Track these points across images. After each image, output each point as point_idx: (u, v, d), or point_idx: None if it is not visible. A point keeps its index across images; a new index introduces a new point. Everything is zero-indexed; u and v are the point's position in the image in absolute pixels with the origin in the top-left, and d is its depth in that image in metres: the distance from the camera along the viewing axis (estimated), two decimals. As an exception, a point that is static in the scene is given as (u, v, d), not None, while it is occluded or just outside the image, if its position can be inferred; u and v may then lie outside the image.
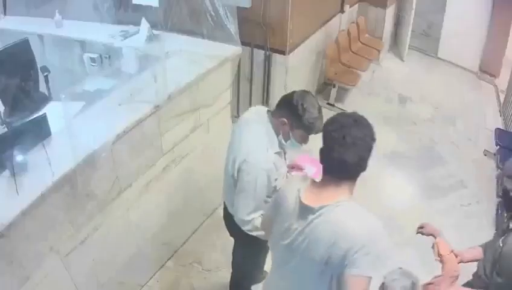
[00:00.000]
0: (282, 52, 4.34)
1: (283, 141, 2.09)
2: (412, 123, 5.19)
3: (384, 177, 4.25)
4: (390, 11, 6.37)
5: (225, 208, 2.45)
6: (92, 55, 3.57)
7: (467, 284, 2.12)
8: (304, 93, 2.02)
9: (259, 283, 2.84)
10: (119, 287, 2.85)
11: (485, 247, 2.07)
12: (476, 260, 2.09)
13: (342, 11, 5.54)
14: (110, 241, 2.64)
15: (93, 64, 3.58)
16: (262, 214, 2.04)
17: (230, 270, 2.81)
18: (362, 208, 1.52)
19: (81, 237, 2.39)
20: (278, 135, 2.07)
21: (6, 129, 2.88)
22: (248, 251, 2.47)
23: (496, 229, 2.06)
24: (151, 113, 2.63)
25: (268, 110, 2.14)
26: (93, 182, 2.36)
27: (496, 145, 4.27)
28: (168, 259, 3.29)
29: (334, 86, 5.28)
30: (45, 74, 3.56)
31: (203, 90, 3.08)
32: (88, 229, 2.43)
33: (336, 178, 1.53)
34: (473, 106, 5.39)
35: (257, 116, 2.14)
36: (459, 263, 2.01)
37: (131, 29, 3.58)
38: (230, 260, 3.30)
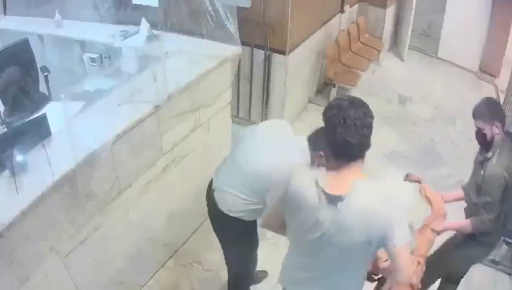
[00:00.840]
0: (282, 52, 4.34)
1: None
2: (412, 123, 5.19)
3: (384, 178, 4.24)
4: (390, 11, 6.37)
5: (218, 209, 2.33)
6: (92, 55, 3.57)
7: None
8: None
9: (257, 283, 2.91)
10: (119, 287, 2.85)
11: (465, 187, 2.52)
12: (458, 200, 2.48)
13: (342, 11, 5.54)
14: (110, 241, 2.64)
15: (93, 64, 3.59)
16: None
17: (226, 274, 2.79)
18: (379, 184, 1.63)
19: (81, 237, 2.39)
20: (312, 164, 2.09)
21: (6, 129, 2.88)
22: (244, 249, 2.50)
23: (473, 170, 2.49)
24: (151, 113, 2.63)
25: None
26: (93, 182, 2.36)
27: (496, 145, 4.26)
28: (168, 259, 3.29)
29: (334, 86, 5.28)
30: (45, 74, 3.56)
31: (203, 90, 3.08)
32: (88, 229, 2.43)
33: (346, 161, 1.59)
34: (473, 106, 5.37)
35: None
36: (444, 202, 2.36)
37: (131, 29, 3.58)
38: (230, 260, 3.31)
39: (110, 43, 3.51)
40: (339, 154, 1.59)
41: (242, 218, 2.27)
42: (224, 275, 3.19)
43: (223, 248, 2.61)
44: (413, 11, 6.26)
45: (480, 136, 2.32)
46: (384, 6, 6.17)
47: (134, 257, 2.88)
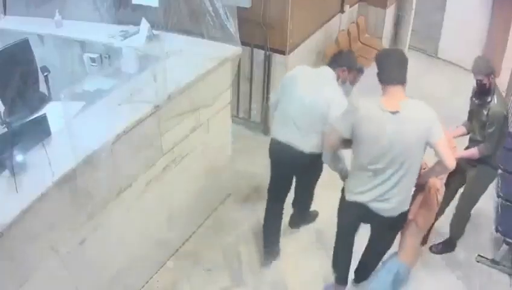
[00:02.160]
0: (282, 52, 4.34)
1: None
2: None
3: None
4: (390, 11, 6.37)
5: (288, 148, 2.82)
6: (92, 55, 3.57)
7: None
8: (348, 51, 3.42)
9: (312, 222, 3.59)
10: (119, 287, 2.85)
11: (466, 124, 3.16)
12: (460, 136, 3.17)
13: (342, 11, 5.54)
14: (110, 241, 2.64)
15: (93, 64, 3.58)
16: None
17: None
18: (417, 101, 2.31)
19: (81, 237, 2.39)
20: (337, 80, 2.83)
21: (6, 129, 2.88)
22: (313, 176, 3.17)
23: (469, 114, 3.14)
24: (151, 113, 2.63)
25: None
26: (93, 182, 2.36)
27: (496, 145, 4.27)
28: (168, 259, 3.29)
29: (334, 86, 5.28)
30: (45, 74, 3.56)
31: (203, 90, 3.08)
32: (88, 229, 2.43)
33: (396, 87, 2.28)
34: (473, 106, 5.39)
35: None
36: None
37: (131, 29, 3.58)
38: (230, 260, 3.32)
39: (110, 43, 3.51)
40: (393, 82, 2.28)
41: (309, 153, 2.78)
42: (224, 275, 3.20)
43: (298, 187, 3.23)
44: (413, 11, 6.24)
45: (480, 86, 2.96)
46: (384, 6, 6.16)
47: (134, 257, 2.88)
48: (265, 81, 4.53)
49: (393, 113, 2.21)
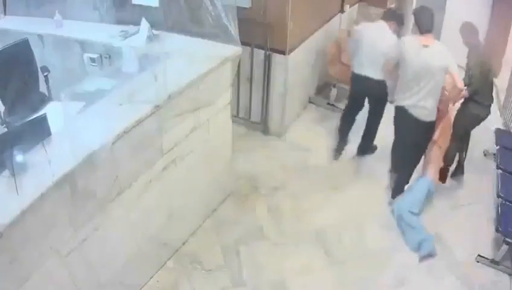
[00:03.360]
0: (282, 52, 4.34)
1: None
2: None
3: (385, 177, 4.25)
4: (390, 11, 6.37)
5: (365, 78, 4.05)
6: (92, 55, 3.57)
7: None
8: (394, 10, 4.85)
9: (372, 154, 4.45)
10: (119, 287, 2.85)
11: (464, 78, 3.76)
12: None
13: (342, 11, 5.54)
14: (110, 241, 2.64)
15: (93, 64, 3.58)
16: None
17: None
18: (441, 43, 3.49)
19: (81, 237, 2.39)
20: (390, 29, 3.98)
21: (6, 129, 2.88)
22: (383, 102, 4.22)
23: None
24: (151, 113, 2.63)
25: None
26: (93, 182, 2.36)
27: (496, 145, 4.27)
28: (168, 259, 3.29)
29: (334, 86, 5.28)
30: (45, 74, 3.56)
31: (203, 90, 3.08)
32: (88, 229, 2.43)
33: (428, 34, 3.36)
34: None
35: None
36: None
37: (131, 29, 3.58)
38: (230, 260, 3.32)
39: (110, 43, 3.51)
40: (425, 29, 3.35)
41: (377, 79, 3.99)
42: (224, 275, 3.20)
43: (371, 108, 4.32)
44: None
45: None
46: (384, 6, 6.15)
47: (134, 257, 2.88)
48: (265, 81, 4.52)
49: (426, 46, 3.32)
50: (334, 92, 5.30)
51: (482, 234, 3.63)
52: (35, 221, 2.06)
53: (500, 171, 3.85)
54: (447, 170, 4.08)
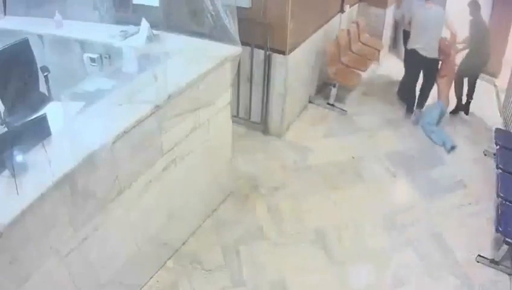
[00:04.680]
0: (282, 52, 4.34)
1: None
2: (412, 123, 5.19)
3: (384, 177, 4.25)
4: (390, 11, 6.37)
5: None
6: (92, 55, 3.57)
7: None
8: None
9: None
10: (119, 287, 2.85)
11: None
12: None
13: (342, 11, 5.54)
14: (110, 241, 2.64)
15: (93, 64, 3.58)
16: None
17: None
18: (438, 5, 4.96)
19: (81, 237, 2.39)
20: None
21: (6, 129, 2.88)
22: (435, 72, 5.18)
23: None
24: (151, 113, 2.63)
25: None
26: (93, 182, 2.36)
27: (496, 145, 4.28)
28: (168, 259, 3.29)
29: (334, 86, 5.28)
30: (45, 74, 3.55)
31: (203, 90, 3.08)
32: (88, 229, 2.43)
33: (430, 2, 4.87)
34: (473, 106, 5.40)
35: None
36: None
37: (131, 29, 3.58)
38: (230, 260, 3.32)
39: (110, 43, 3.51)
40: (428, 1, 4.82)
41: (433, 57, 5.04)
42: (224, 275, 3.20)
43: (426, 78, 5.25)
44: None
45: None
46: (384, 6, 6.17)
47: (134, 257, 2.88)
48: (265, 81, 4.52)
49: (430, 8, 4.79)
50: (334, 92, 5.29)
51: (482, 234, 3.64)
52: (35, 221, 2.06)
53: (500, 171, 3.85)
54: (460, 102, 5.41)
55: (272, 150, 4.56)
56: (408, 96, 5.39)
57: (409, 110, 5.32)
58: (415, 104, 5.28)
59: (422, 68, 5.15)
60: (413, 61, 5.11)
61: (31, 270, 2.13)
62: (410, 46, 5.05)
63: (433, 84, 5.22)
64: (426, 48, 4.91)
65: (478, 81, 5.34)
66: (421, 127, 5.10)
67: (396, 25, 6.78)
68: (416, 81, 5.27)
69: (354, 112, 5.27)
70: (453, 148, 4.72)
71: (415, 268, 3.33)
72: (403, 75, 5.61)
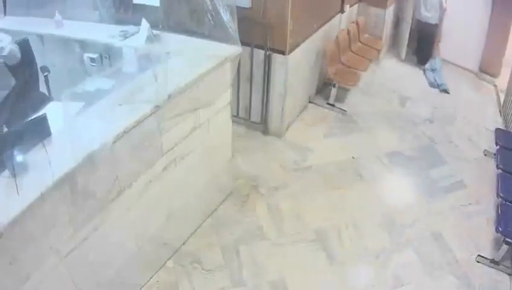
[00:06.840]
0: (282, 52, 4.34)
1: None
2: (412, 123, 5.19)
3: (384, 177, 4.25)
4: (390, 11, 6.38)
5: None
6: (92, 55, 3.57)
7: None
8: None
9: None
10: (119, 287, 2.85)
11: None
12: None
13: (342, 11, 5.54)
14: (110, 241, 2.64)
15: (93, 64, 3.58)
16: None
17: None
18: None
19: (81, 237, 2.39)
20: None
21: (6, 129, 2.88)
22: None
23: None
24: (151, 113, 2.63)
25: None
26: (93, 182, 2.36)
27: (496, 145, 4.28)
28: (168, 259, 3.29)
29: (334, 86, 5.28)
30: (45, 74, 3.55)
31: (203, 90, 3.08)
32: (88, 229, 2.43)
33: None
34: (473, 106, 5.41)
35: None
36: None
37: (131, 29, 3.58)
38: (230, 260, 3.32)
39: (110, 43, 3.51)
40: None
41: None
42: (224, 275, 3.20)
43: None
44: (412, 11, 6.25)
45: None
46: (384, 6, 6.17)
47: (134, 257, 2.88)
48: (265, 81, 4.52)
49: None
50: (334, 92, 5.30)
51: (482, 234, 3.64)
52: (35, 221, 2.06)
53: (500, 171, 3.85)
54: None
55: (271, 150, 4.56)
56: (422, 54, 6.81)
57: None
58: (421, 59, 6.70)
59: (424, 30, 6.60)
60: (420, 27, 6.61)
61: (31, 270, 2.13)
62: (417, 16, 6.57)
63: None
64: (428, 15, 6.39)
65: (478, 81, 5.34)
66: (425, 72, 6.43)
67: (396, 25, 6.79)
68: None
69: (354, 112, 5.26)
70: (446, 92, 5.83)
71: (415, 268, 3.33)
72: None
